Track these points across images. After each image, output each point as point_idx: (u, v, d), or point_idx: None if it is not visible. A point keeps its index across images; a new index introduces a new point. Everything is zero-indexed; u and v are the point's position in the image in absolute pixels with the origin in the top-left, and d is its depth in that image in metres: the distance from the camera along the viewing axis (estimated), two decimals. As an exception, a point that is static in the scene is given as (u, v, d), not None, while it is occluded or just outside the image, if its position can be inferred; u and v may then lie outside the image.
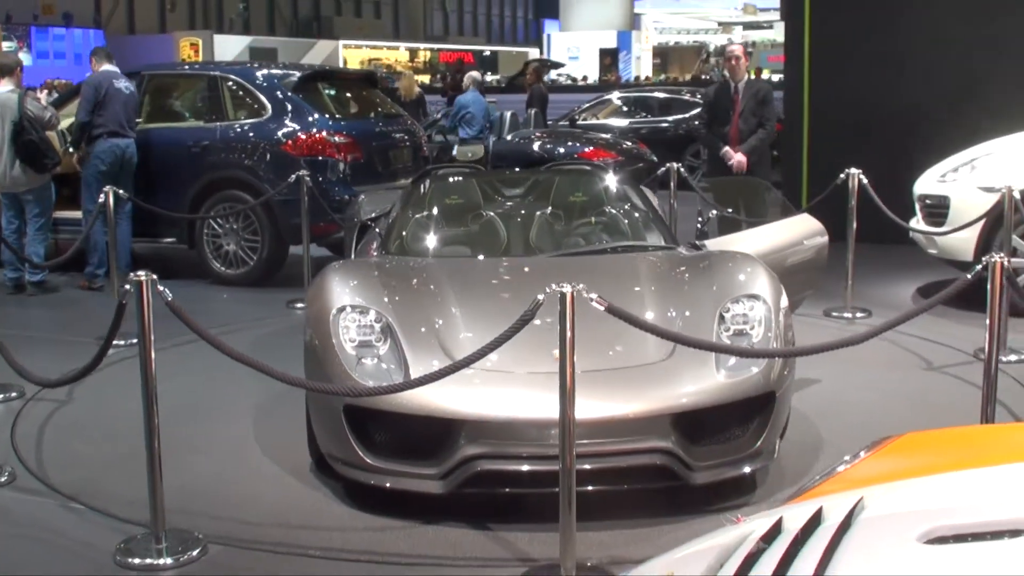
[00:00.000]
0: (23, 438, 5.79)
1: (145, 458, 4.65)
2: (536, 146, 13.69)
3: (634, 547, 4.30)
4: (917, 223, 8.62)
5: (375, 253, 6.30)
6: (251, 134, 9.59)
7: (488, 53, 57.71)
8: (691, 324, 4.81)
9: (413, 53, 55.79)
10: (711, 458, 4.51)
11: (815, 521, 2.21)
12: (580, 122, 17.72)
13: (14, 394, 6.47)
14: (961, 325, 7.63)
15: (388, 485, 4.53)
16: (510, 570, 4.16)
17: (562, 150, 13.49)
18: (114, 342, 7.44)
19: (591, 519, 4.28)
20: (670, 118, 17.90)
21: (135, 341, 7.39)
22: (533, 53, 58.50)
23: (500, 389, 4.43)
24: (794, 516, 2.28)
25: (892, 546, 2.02)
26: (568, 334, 3.90)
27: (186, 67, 12.62)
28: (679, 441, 4.41)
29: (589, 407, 4.26)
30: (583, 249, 6.01)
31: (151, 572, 4.26)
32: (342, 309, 4.85)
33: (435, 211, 6.48)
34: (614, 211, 6.50)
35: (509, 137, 13.87)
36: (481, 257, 5.98)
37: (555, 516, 4.00)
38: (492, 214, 6.42)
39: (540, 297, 4.00)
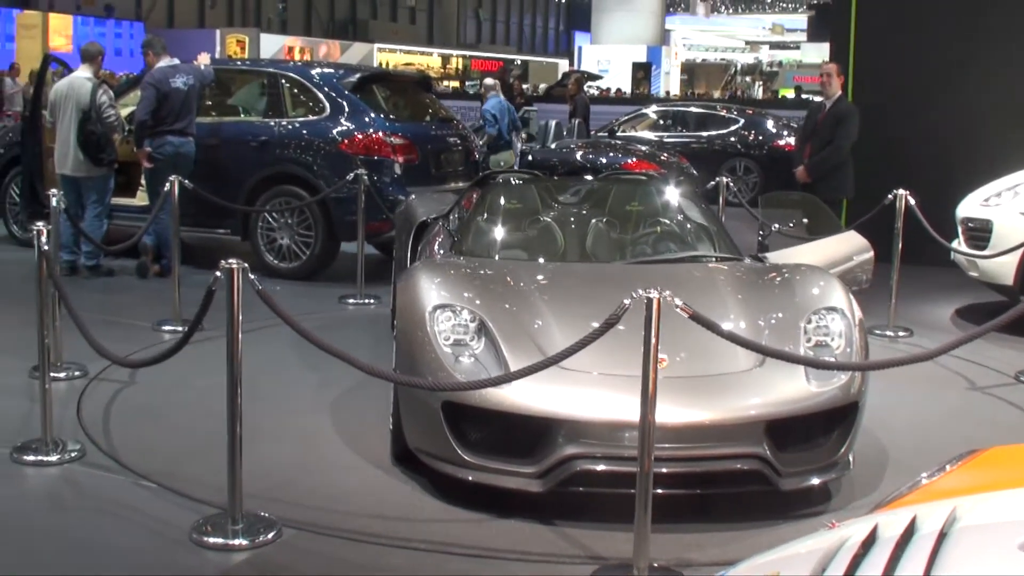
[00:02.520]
0: (89, 416, 5.91)
1: (215, 442, 4.88)
2: (579, 155, 13.82)
3: (705, 550, 4.42)
4: (959, 245, 8.73)
5: (440, 253, 6.43)
6: (309, 131, 9.74)
7: (519, 62, 57.85)
8: (779, 334, 4.97)
9: (446, 59, 56.04)
10: (798, 465, 4.64)
11: (911, 529, 2.26)
12: (620, 134, 17.88)
13: (77, 372, 6.59)
14: (998, 347, 7.75)
15: (486, 481, 4.64)
16: (582, 567, 4.27)
17: (604, 160, 13.62)
18: (168, 328, 7.75)
19: (662, 521, 4.37)
20: (706, 133, 18.09)
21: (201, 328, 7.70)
22: (563, 64, 58.72)
23: (600, 391, 4.53)
24: (889, 523, 2.33)
25: (994, 554, 2.08)
26: (652, 340, 4.02)
27: (248, 63, 12.75)
28: (771, 447, 4.54)
29: (689, 412, 4.43)
30: (661, 257, 6.13)
31: (226, 551, 4.37)
32: (436, 308, 4.95)
33: (507, 215, 6.60)
34: (682, 221, 6.63)
35: (553, 146, 14.02)
36: (559, 262, 6.10)
37: (628, 516, 4.12)
38: (562, 219, 6.54)
39: (627, 302, 4.11)
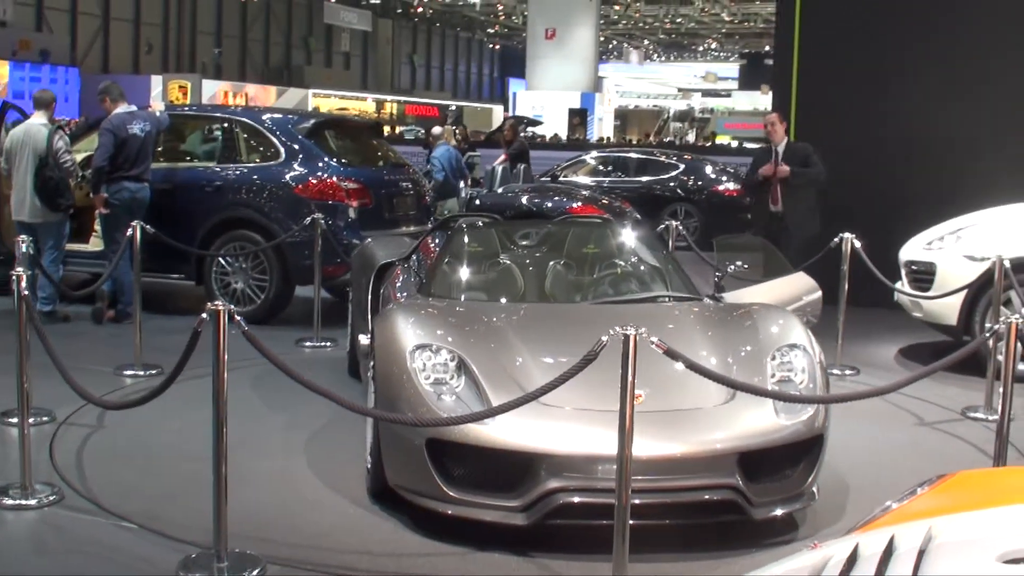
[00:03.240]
0: (63, 460, 5.93)
1: (192, 483, 5.08)
2: (525, 200, 14.02)
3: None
4: (902, 287, 9.01)
5: (403, 295, 6.55)
6: (264, 176, 9.85)
7: (454, 108, 58.25)
8: (746, 370, 5.17)
9: (380, 104, 56.28)
10: (768, 495, 4.84)
11: (890, 547, 2.40)
12: (562, 179, 18.13)
13: (45, 418, 6.59)
14: (942, 385, 8.00)
15: (470, 516, 4.75)
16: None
17: (549, 205, 13.82)
18: (129, 373, 7.79)
19: (640, 551, 4.50)
20: (647, 178, 18.39)
21: (154, 372, 7.74)
22: (498, 110, 59.23)
23: (581, 426, 4.70)
24: (869, 542, 2.48)
25: (975, 567, 2.22)
26: (629, 375, 4.19)
27: (202, 109, 12.80)
28: (743, 478, 4.73)
29: (666, 445, 4.63)
30: (626, 297, 6.32)
31: (213, 589, 4.45)
32: (416, 348, 5.09)
33: (472, 258, 6.75)
34: (642, 262, 6.83)
35: (500, 190, 14.21)
36: (527, 303, 6.28)
37: (608, 547, 4.26)
38: (526, 262, 6.73)
39: (604, 338, 4.29)
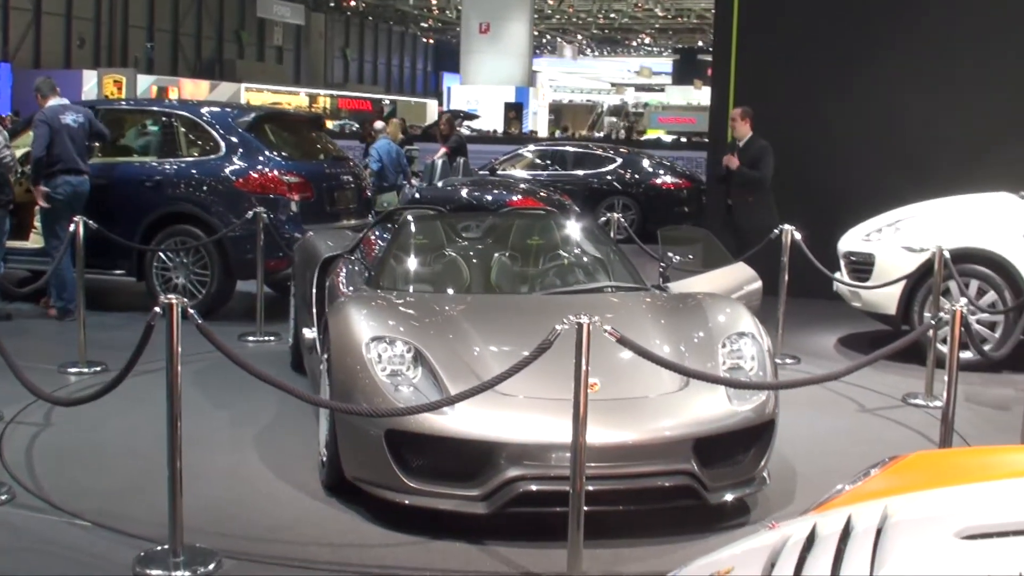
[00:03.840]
0: (13, 459, 5.87)
1: (145, 480, 5.13)
2: (464, 193, 14.03)
3: (636, 563, 4.63)
4: (841, 278, 9.15)
5: (349, 289, 6.54)
6: (204, 171, 9.78)
7: (388, 102, 58.10)
8: (698, 357, 5.25)
9: (313, 99, 55.97)
10: (721, 480, 4.93)
11: (848, 526, 2.47)
12: (500, 172, 18.16)
13: (-9, 418, 6.54)
14: (882, 373, 8.13)
15: (430, 506, 4.78)
16: (517, 584, 4.45)
17: (489, 198, 13.84)
18: (74, 370, 7.71)
19: (596, 537, 4.58)
20: (584, 172, 18.47)
21: (99, 369, 7.67)
22: (433, 104, 59.15)
23: (539, 415, 4.75)
24: (827, 522, 2.55)
25: (934, 542, 2.29)
26: (583, 364, 4.24)
27: (141, 103, 12.66)
28: (698, 464, 4.82)
29: (624, 432, 4.69)
30: (576, 288, 6.37)
31: (170, 585, 4.43)
32: (372, 340, 5.10)
33: (421, 250, 6.76)
34: (589, 253, 6.89)
35: (440, 184, 14.21)
36: (478, 294, 6.33)
37: (563, 534, 4.32)
38: (473, 254, 6.76)
39: (558, 328, 4.34)
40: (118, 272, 10.01)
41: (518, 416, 4.76)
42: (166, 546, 4.55)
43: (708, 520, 5.00)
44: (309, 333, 7.04)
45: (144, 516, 4.98)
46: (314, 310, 7.17)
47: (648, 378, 4.96)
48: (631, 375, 5.00)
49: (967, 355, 7.14)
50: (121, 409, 6.49)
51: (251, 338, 9.02)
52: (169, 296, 4.57)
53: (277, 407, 6.84)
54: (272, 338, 9.02)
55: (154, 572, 4.48)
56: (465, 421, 4.71)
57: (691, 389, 4.99)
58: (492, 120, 46.07)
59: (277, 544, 4.79)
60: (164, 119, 10.30)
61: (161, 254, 9.76)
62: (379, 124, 16.15)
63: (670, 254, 7.52)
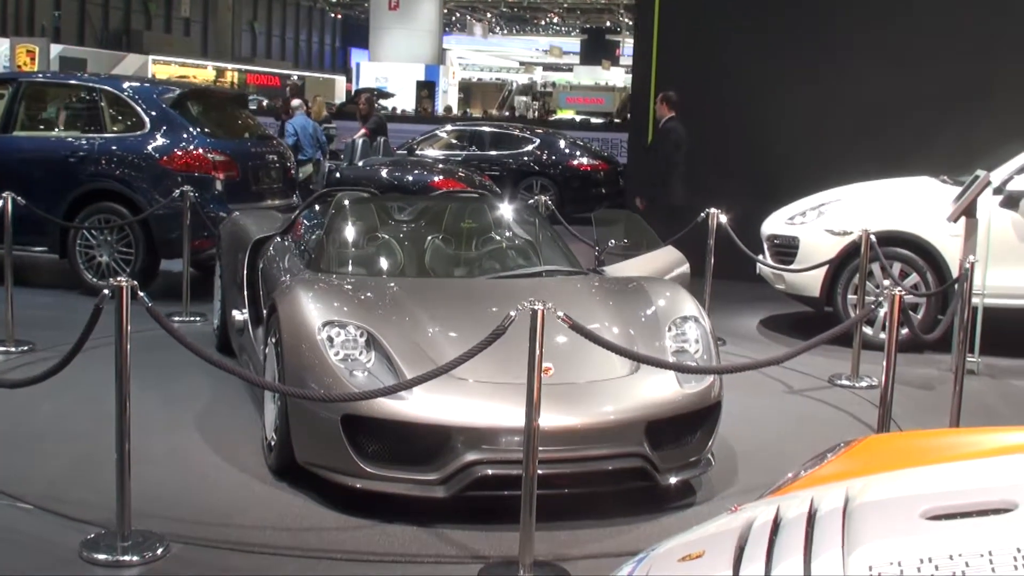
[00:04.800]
0: (-58, 443, 5.73)
1: (86, 463, 5.14)
2: (384, 173, 13.99)
3: (587, 545, 4.69)
4: (764, 260, 9.30)
5: (286, 271, 6.48)
6: (128, 147, 9.63)
7: (296, 78, 57.44)
8: (647, 341, 5.32)
9: (220, 73, 55.14)
10: (671, 462, 5.02)
11: (812, 508, 2.51)
12: (418, 152, 18.11)
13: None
14: (809, 355, 8.22)
15: (388, 491, 4.79)
16: (469, 567, 4.47)
17: (410, 178, 13.84)
18: (4, 349, 7.55)
19: (547, 520, 4.60)
20: (501, 152, 18.51)
21: (26, 348, 7.53)
22: (341, 81, 58.64)
23: (496, 398, 4.78)
24: (790, 505, 2.60)
25: (901, 522, 2.33)
26: (537, 349, 4.27)
27: (66, 77, 12.34)
28: (650, 446, 4.90)
29: (579, 416, 4.75)
30: (520, 272, 6.41)
31: (117, 567, 4.38)
32: (325, 324, 5.08)
33: (360, 232, 6.72)
34: (528, 236, 6.92)
35: (360, 163, 14.15)
36: (422, 278, 6.33)
37: (513, 517, 4.35)
38: (414, 237, 6.76)
39: (512, 313, 4.36)
40: (39, 249, 9.83)
41: (476, 401, 4.79)
42: (112, 530, 4.50)
43: (657, 501, 5.08)
44: (239, 315, 6.99)
45: (88, 499, 4.92)
46: (246, 292, 7.11)
47: (600, 362, 5.02)
48: (583, 359, 5.05)
49: (884, 336, 7.32)
50: (51, 391, 6.34)
51: (176, 318, 8.90)
52: (119, 278, 4.54)
53: (212, 388, 6.78)
54: (198, 319, 8.92)
55: (101, 556, 4.43)
56: (423, 406, 4.73)
57: (642, 372, 5.08)
58: (403, 99, 45.80)
59: (227, 528, 4.75)
60: (88, 94, 10.10)
61: (85, 232, 9.59)
62: (296, 101, 16.11)
63: (606, 238, 7.58)
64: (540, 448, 4.27)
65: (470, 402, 4.78)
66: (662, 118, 11.32)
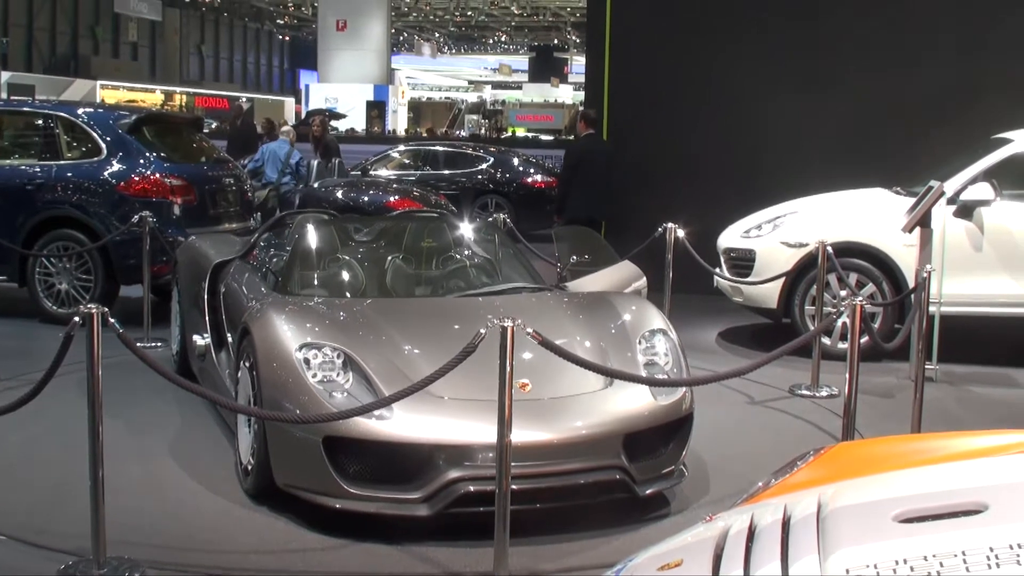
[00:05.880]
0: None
1: (59, 492, 5.10)
2: (340, 194, 13.99)
3: (562, 560, 4.73)
4: (721, 273, 9.41)
5: (251, 295, 6.46)
6: (85, 174, 9.60)
7: (245, 100, 57.28)
8: (619, 355, 5.40)
9: (169, 96, 54.98)
10: (647, 473, 5.09)
11: (786, 515, 2.54)
12: (372, 172, 18.13)
13: None
14: (769, 366, 8.35)
15: (370, 511, 4.81)
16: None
17: (366, 199, 13.85)
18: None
19: (522, 535, 4.67)
20: (455, 171, 18.56)
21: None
22: (290, 102, 58.57)
23: (477, 416, 4.81)
24: (764, 512, 2.64)
25: (875, 527, 2.38)
26: (508, 366, 4.32)
27: (19, 104, 12.20)
28: (627, 458, 4.97)
29: (557, 430, 4.82)
30: (487, 290, 6.45)
31: (93, 596, 4.38)
32: (302, 347, 5.10)
33: (324, 254, 6.73)
34: (493, 254, 6.98)
35: (316, 185, 14.15)
36: (391, 297, 6.37)
37: (487, 534, 4.40)
38: (380, 257, 6.79)
39: (483, 331, 4.42)
40: (-2, 278, 9.77)
41: (457, 419, 4.84)
42: (89, 557, 4.50)
43: (632, 513, 5.15)
44: (200, 340, 6.98)
45: (63, 529, 4.90)
46: (206, 317, 7.10)
47: (576, 376, 5.06)
48: (560, 373, 5.09)
49: (845, 345, 7.43)
50: (17, 421, 6.29)
51: (138, 344, 8.81)
52: (89, 305, 4.55)
53: (179, 414, 6.77)
54: (159, 344, 8.88)
55: (78, 584, 4.42)
56: (405, 425, 4.77)
57: (617, 385, 5.15)
58: (352, 119, 45.75)
59: (210, 554, 4.76)
60: (42, 120, 10.06)
61: (44, 259, 9.55)
62: (285, 128, 16.23)
63: (567, 254, 7.65)
64: (521, 463, 4.32)
65: (452, 420, 4.83)
66: (580, 135, 11.86)
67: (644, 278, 7.87)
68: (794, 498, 2.76)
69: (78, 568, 4.51)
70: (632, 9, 12.48)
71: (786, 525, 2.51)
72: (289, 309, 5.58)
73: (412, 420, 4.78)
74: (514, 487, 4.45)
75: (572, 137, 12.14)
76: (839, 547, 2.28)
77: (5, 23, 51.50)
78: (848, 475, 2.96)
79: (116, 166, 9.60)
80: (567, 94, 66.71)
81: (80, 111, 10.21)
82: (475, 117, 58.96)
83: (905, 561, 2.15)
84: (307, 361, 5.06)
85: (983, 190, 8.43)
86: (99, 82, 48.02)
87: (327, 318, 5.55)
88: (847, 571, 2.16)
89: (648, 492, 5.09)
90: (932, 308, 7.54)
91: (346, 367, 5.07)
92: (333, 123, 34.18)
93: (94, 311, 4.51)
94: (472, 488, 4.73)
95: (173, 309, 8.20)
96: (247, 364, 5.40)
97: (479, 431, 4.77)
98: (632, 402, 5.13)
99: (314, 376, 5.01)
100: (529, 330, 4.51)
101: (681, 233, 8.85)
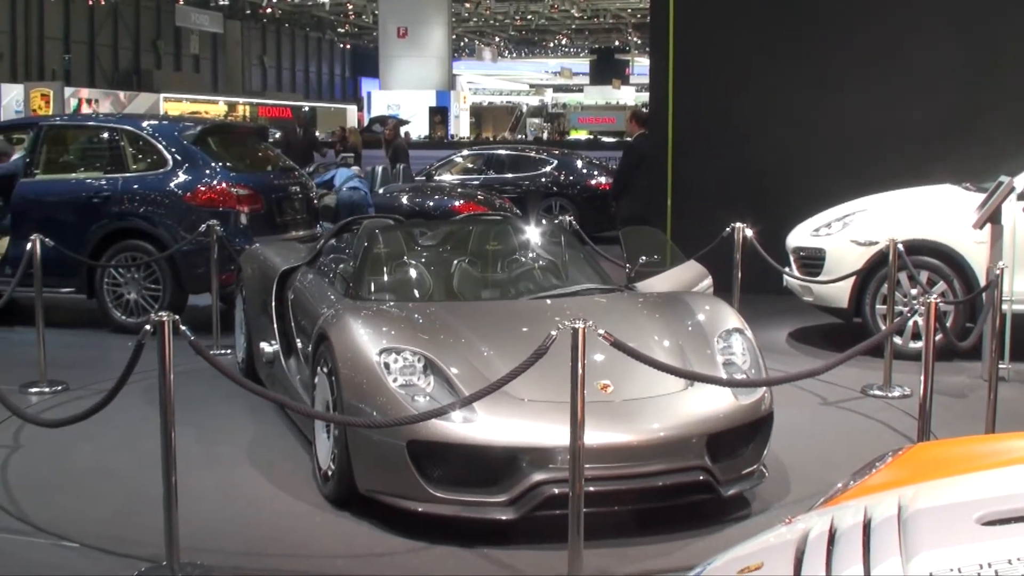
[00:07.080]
0: (-16, 482, 5.74)
1: (131, 500, 5.19)
2: (405, 199, 14.06)
3: (639, 563, 4.71)
4: (790, 273, 9.30)
5: (322, 301, 6.47)
6: (152, 185, 9.71)
7: (307, 109, 57.73)
8: (698, 355, 5.39)
9: (232, 107, 55.49)
10: (729, 473, 5.06)
11: (867, 517, 2.51)
12: (436, 177, 18.19)
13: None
14: (841, 366, 8.26)
15: (456, 514, 4.83)
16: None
17: (431, 204, 13.92)
18: (35, 391, 7.58)
19: (598, 538, 4.65)
20: (520, 175, 18.57)
21: (60, 388, 7.55)
22: (352, 110, 58.87)
23: (557, 418, 4.72)
24: (844, 515, 2.59)
25: (958, 529, 2.34)
26: (579, 368, 4.30)
27: (87, 119, 12.38)
28: (710, 459, 4.95)
29: (643, 431, 4.83)
30: (560, 292, 6.43)
31: (169, 603, 4.40)
32: (383, 351, 5.11)
33: (393, 259, 6.74)
34: (564, 256, 6.95)
35: (381, 191, 14.21)
36: (464, 301, 6.36)
37: (563, 536, 4.37)
38: (449, 261, 6.79)
39: (553, 332, 4.40)
40: (66, 290, 9.88)
41: (540, 421, 4.83)
42: (163, 563, 4.52)
43: (712, 516, 5.11)
44: (268, 347, 7.01)
45: (136, 536, 4.93)
46: (274, 324, 7.12)
47: (657, 376, 5.01)
48: (642, 374, 5.03)
49: (917, 345, 7.32)
50: (89, 431, 6.36)
51: (209, 352, 8.91)
52: (161, 314, 4.57)
53: (251, 421, 6.80)
54: (229, 351, 8.93)
55: (154, 592, 4.46)
56: (490, 428, 4.78)
57: (698, 386, 5.13)
58: (416, 125, 46.01)
59: (293, 558, 4.79)
60: (108, 134, 10.19)
61: (112, 270, 9.66)
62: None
63: (636, 254, 7.60)
64: (603, 464, 4.30)
65: (535, 423, 4.82)
66: (632, 134, 11.79)
67: (710, 278, 7.80)
68: (874, 500, 2.71)
69: (152, 574, 4.54)
70: (696, 9, 12.37)
71: (867, 527, 2.47)
72: (365, 314, 5.57)
73: (496, 423, 4.79)
74: (595, 489, 4.47)
75: (628, 137, 12.03)
76: (921, 550, 2.24)
77: (67, 40, 52.30)
78: (927, 477, 2.92)
79: (182, 177, 9.69)
80: (629, 96, 66.49)
81: (145, 123, 10.33)
82: (537, 121, 59.01)
83: (989, 564, 2.11)
84: (387, 366, 5.07)
85: (1054, 185, 8.26)
86: (162, 95, 48.60)
87: (403, 322, 5.55)
88: (931, 574, 2.13)
89: (731, 492, 5.07)
90: (1004, 306, 7.40)
91: (427, 371, 5.08)
92: (401, 128, 34.47)
93: (165, 319, 4.53)
94: (557, 491, 4.69)
95: (237, 317, 8.25)
96: (325, 370, 5.40)
97: (562, 434, 4.72)
98: (714, 402, 5.11)
99: (395, 380, 5.02)
100: (601, 331, 4.47)
101: (749, 232, 8.78)
